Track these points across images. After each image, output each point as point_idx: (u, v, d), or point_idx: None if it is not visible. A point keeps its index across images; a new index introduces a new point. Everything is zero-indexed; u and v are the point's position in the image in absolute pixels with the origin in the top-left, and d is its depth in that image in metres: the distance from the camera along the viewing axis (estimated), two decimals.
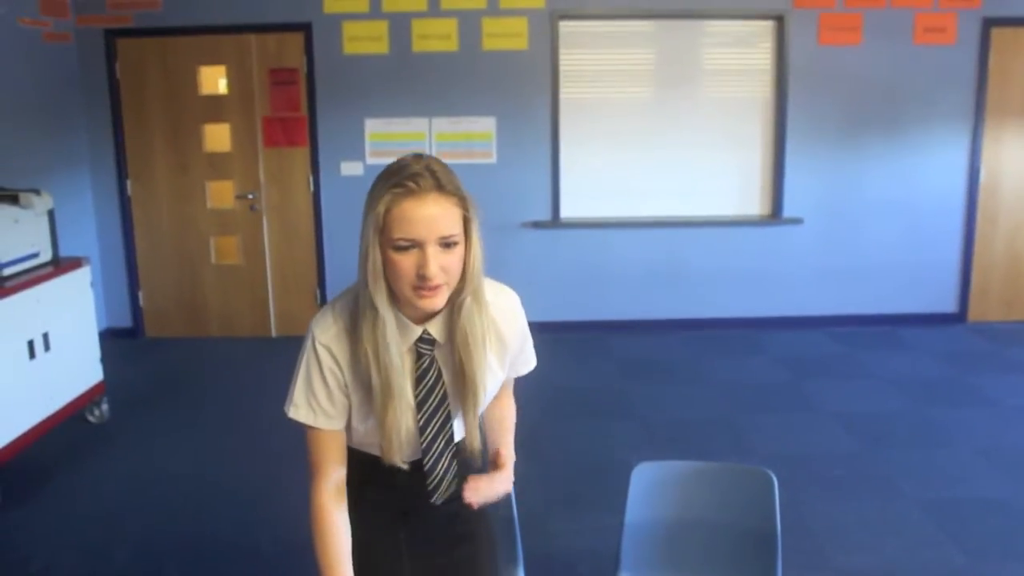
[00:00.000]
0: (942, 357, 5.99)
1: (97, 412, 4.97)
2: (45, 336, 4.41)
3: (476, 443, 1.78)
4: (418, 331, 1.69)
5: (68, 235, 5.29)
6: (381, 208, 1.56)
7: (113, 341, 6.43)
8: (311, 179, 6.52)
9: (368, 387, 1.67)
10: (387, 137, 6.42)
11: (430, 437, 1.75)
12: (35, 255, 4.54)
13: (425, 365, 1.71)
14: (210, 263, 6.67)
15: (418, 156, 1.61)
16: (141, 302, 6.72)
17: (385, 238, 1.57)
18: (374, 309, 1.61)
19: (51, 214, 4.68)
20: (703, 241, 6.68)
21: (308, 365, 1.71)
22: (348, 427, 1.76)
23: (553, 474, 4.17)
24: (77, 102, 6.33)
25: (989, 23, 6.36)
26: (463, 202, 1.60)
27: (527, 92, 6.44)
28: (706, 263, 6.69)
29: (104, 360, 5.01)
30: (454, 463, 1.80)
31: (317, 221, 6.58)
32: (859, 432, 4.71)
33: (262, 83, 6.41)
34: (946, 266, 6.74)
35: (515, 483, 2.37)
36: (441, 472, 1.79)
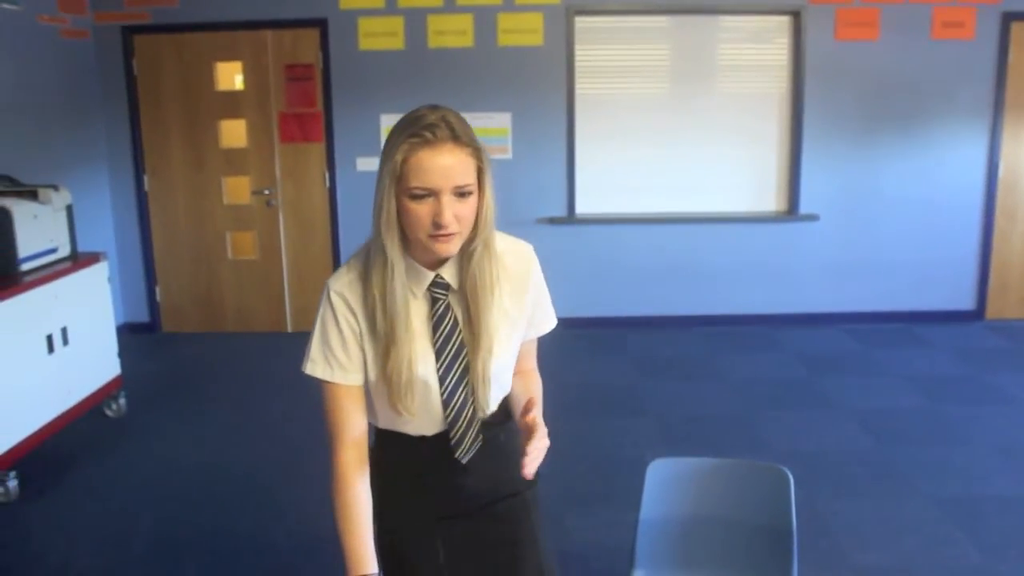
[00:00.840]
0: (959, 354, 5.95)
1: (115, 406, 5.01)
2: (63, 331, 4.44)
3: (486, 394, 1.76)
4: (431, 276, 1.71)
5: (86, 230, 5.32)
6: (398, 157, 1.58)
7: (130, 336, 6.47)
8: (327, 175, 6.54)
9: (375, 335, 1.70)
10: None
11: (450, 388, 1.75)
12: (53, 250, 4.57)
13: (440, 311, 1.73)
14: (227, 258, 6.70)
15: (434, 107, 1.64)
16: (158, 297, 6.76)
17: (401, 187, 1.60)
18: (384, 255, 1.65)
19: (69, 209, 4.71)
20: (719, 237, 6.66)
21: (323, 318, 1.73)
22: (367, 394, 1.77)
23: (568, 470, 4.17)
24: (95, 98, 6.37)
25: (1008, 18, 6.31)
26: (477, 153, 1.63)
27: (543, 88, 6.43)
28: (722, 259, 6.67)
29: (121, 355, 5.04)
30: (477, 416, 1.78)
31: (333, 217, 6.59)
32: (875, 429, 4.69)
33: (278, 79, 6.43)
34: (964, 263, 6.69)
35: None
36: (464, 425, 1.77)
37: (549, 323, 1.95)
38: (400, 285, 1.67)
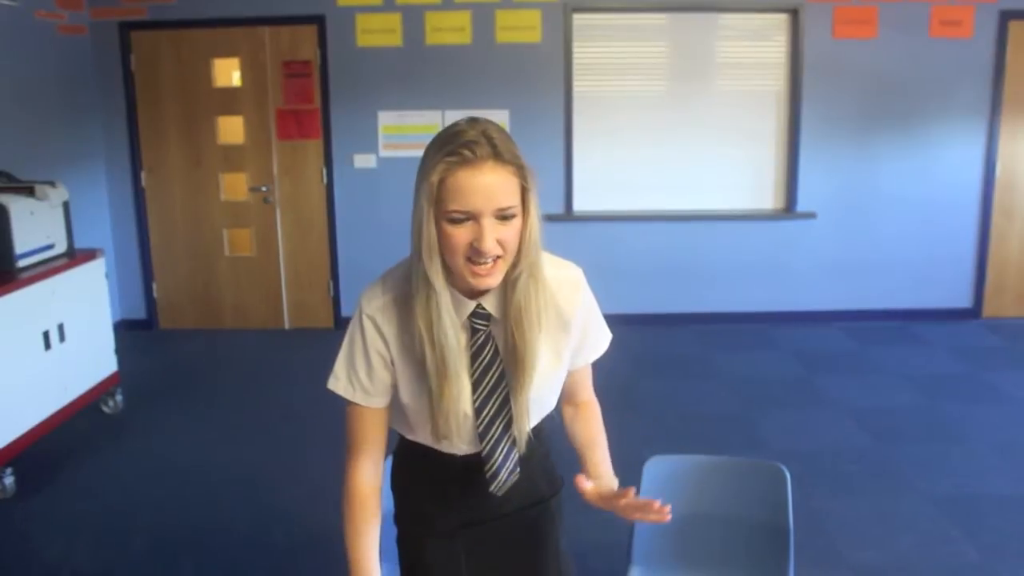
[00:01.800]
0: (956, 353, 5.96)
1: (112, 403, 5.00)
2: (60, 327, 4.43)
3: (525, 429, 1.66)
4: (471, 305, 1.59)
5: (83, 227, 5.31)
6: (435, 178, 1.46)
7: (127, 332, 6.46)
8: (324, 171, 6.53)
9: (419, 363, 1.58)
10: (400, 130, 6.42)
11: (487, 420, 1.64)
12: (50, 247, 4.56)
13: (480, 341, 1.61)
14: (224, 255, 6.69)
15: (473, 120, 1.52)
16: (155, 294, 6.75)
17: (439, 210, 1.47)
18: (428, 284, 1.52)
19: (66, 206, 4.71)
20: (716, 235, 6.66)
21: (352, 337, 1.64)
22: (398, 407, 1.69)
23: (564, 467, 4.16)
24: (92, 94, 6.36)
25: (1007, 16, 6.31)
26: (521, 171, 1.50)
27: (540, 85, 6.43)
28: (719, 257, 6.67)
29: (118, 351, 5.04)
30: (514, 450, 1.68)
31: (330, 213, 6.59)
32: (872, 427, 4.70)
33: (275, 75, 6.42)
34: (961, 261, 6.70)
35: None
36: (500, 458, 1.66)
37: (599, 349, 1.86)
38: (448, 317, 1.54)
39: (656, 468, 2.39)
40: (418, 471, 1.77)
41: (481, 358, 1.62)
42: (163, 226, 6.66)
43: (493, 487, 1.69)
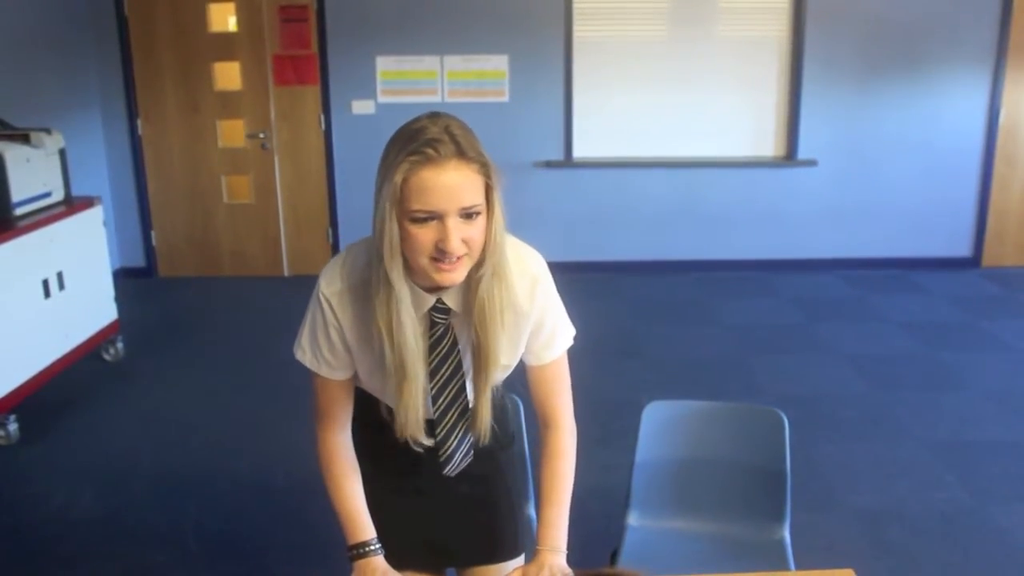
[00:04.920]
0: (955, 301, 5.97)
1: (112, 351, 5.02)
2: (59, 275, 4.43)
3: (485, 421, 1.67)
4: (431, 300, 1.58)
5: (80, 175, 5.28)
6: (398, 178, 1.42)
7: (126, 280, 6.46)
8: (322, 118, 6.47)
9: (374, 352, 1.59)
10: (399, 75, 6.35)
11: (443, 407, 1.67)
12: (47, 194, 4.54)
13: (439, 333, 1.62)
14: (222, 202, 6.67)
15: (435, 115, 1.48)
16: (154, 241, 6.74)
17: (402, 210, 1.44)
18: (389, 285, 1.50)
19: (62, 153, 4.67)
20: (717, 182, 6.63)
21: (313, 314, 1.64)
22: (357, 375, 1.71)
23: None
24: (86, 40, 6.27)
25: None
26: (485, 169, 1.47)
27: (540, 30, 6.34)
28: (719, 204, 6.65)
29: (118, 299, 5.04)
30: (468, 437, 1.72)
31: (329, 160, 6.54)
32: (870, 374, 4.72)
33: (272, 20, 6.33)
34: (961, 210, 6.68)
35: (526, 419, 2.39)
36: (454, 444, 1.71)
37: (559, 346, 1.74)
38: (408, 318, 1.53)
39: (655, 413, 2.40)
40: (382, 437, 1.75)
41: (439, 349, 1.63)
42: (161, 173, 6.62)
43: (447, 470, 1.74)
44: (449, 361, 1.64)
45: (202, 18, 6.34)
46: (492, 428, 1.73)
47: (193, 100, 6.47)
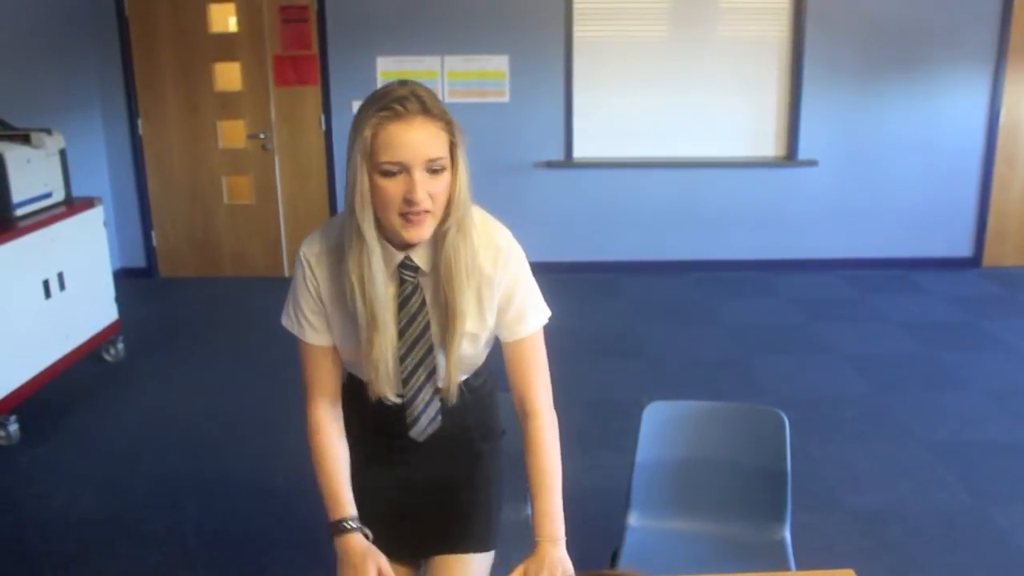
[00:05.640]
0: (955, 301, 5.97)
1: (113, 351, 5.02)
2: (60, 276, 4.43)
3: (454, 380, 1.73)
4: (400, 257, 1.66)
5: (80, 175, 5.28)
6: (368, 132, 1.53)
7: (127, 281, 6.46)
8: (322, 118, 6.48)
9: (349, 312, 1.66)
10: (399, 75, 6.32)
11: (411, 368, 1.73)
12: (48, 195, 4.54)
13: (408, 292, 1.68)
14: (222, 203, 6.67)
15: (403, 82, 1.59)
16: (154, 242, 6.74)
17: (372, 163, 1.55)
18: (361, 237, 1.59)
19: (63, 154, 4.67)
20: (717, 182, 6.62)
21: (295, 278, 1.73)
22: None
23: (564, 413, 4.17)
24: (86, 41, 6.28)
25: None
26: (449, 126, 1.58)
27: (541, 30, 6.34)
28: (720, 204, 6.65)
29: (119, 300, 5.04)
30: (436, 399, 1.77)
31: (329, 160, 6.55)
32: (870, 375, 4.72)
33: (272, 21, 6.33)
34: (962, 210, 6.68)
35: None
36: (421, 406, 1.77)
37: (529, 324, 1.79)
38: (379, 271, 1.62)
39: (655, 413, 2.40)
40: (356, 404, 1.83)
41: (408, 308, 1.69)
42: (161, 174, 6.62)
43: (413, 431, 1.79)
44: (418, 320, 1.70)
45: (202, 18, 6.35)
46: (478, 417, 1.84)
47: (193, 100, 6.47)
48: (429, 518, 1.89)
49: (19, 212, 4.27)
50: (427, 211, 1.56)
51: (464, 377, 1.81)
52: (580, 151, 6.58)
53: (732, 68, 6.50)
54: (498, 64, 6.37)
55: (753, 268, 6.70)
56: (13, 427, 4.03)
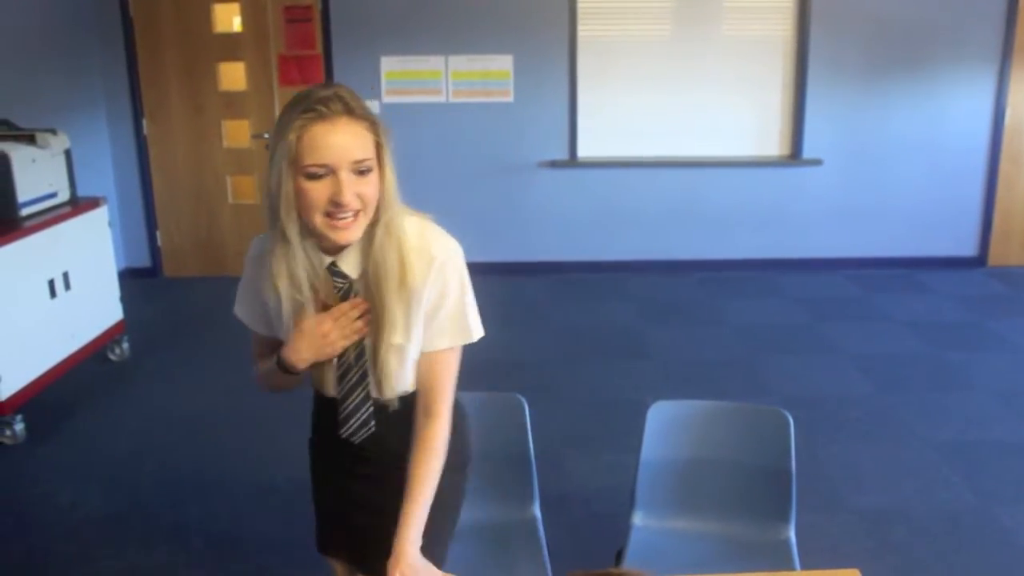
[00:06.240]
0: (961, 301, 5.95)
1: (118, 351, 5.03)
2: (65, 275, 4.43)
3: (388, 383, 1.70)
4: (326, 262, 1.65)
5: (85, 175, 5.28)
6: (292, 136, 1.51)
7: (132, 281, 6.47)
8: None
9: (279, 310, 1.68)
10: (403, 75, 6.35)
11: (345, 367, 1.73)
12: (53, 195, 4.54)
13: (340, 296, 1.67)
14: (227, 202, 6.67)
15: (326, 84, 1.60)
16: (159, 242, 6.75)
17: (296, 167, 1.53)
18: (286, 242, 1.58)
19: (68, 154, 4.68)
20: (721, 182, 6.62)
21: (244, 273, 1.79)
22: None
23: (569, 413, 4.20)
24: (91, 41, 6.28)
25: None
26: (374, 127, 1.57)
27: (545, 30, 6.34)
28: (724, 204, 6.64)
29: (123, 299, 5.04)
30: (368, 403, 1.75)
31: None
32: (875, 374, 4.71)
33: (277, 21, 6.34)
34: (967, 209, 6.66)
35: (532, 420, 2.39)
36: (351, 405, 1.76)
37: (452, 337, 1.73)
38: (304, 273, 1.61)
39: (660, 413, 2.40)
40: (315, 403, 1.91)
41: None
42: (166, 174, 6.63)
43: (342, 430, 1.78)
44: None
45: (207, 18, 6.35)
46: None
47: (198, 100, 6.48)
48: (361, 529, 1.86)
49: (24, 212, 4.28)
50: (358, 211, 1.55)
51: (404, 391, 1.76)
52: (584, 151, 6.58)
53: (736, 67, 6.50)
54: (502, 64, 6.37)
55: (757, 268, 6.70)
56: (19, 426, 4.03)
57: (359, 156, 1.54)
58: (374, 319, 1.66)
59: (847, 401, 4.40)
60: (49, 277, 4.32)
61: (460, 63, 6.37)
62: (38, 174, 4.42)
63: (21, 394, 4.05)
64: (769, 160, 6.61)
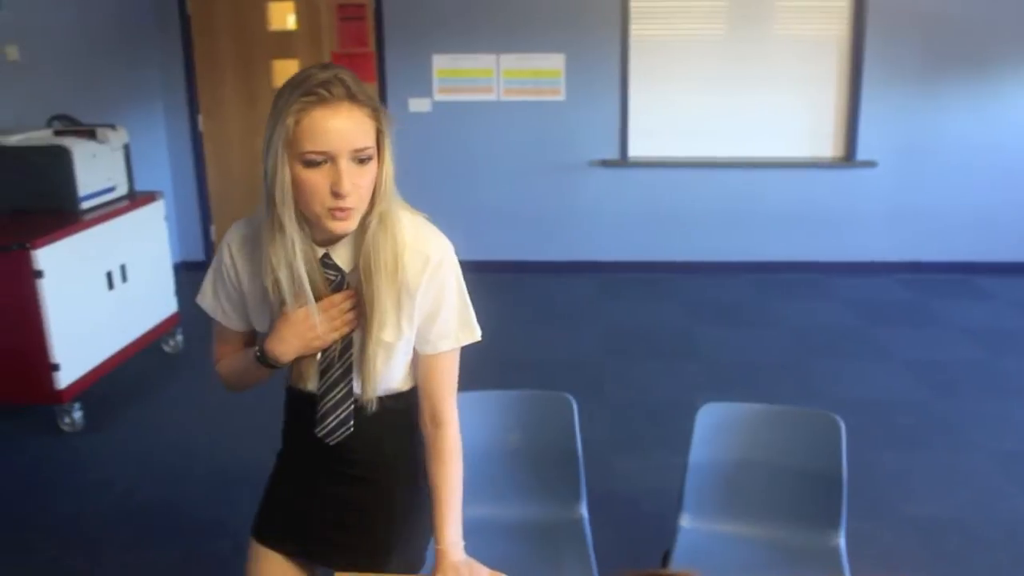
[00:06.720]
0: (1020, 307, 5.82)
1: (172, 342, 5.12)
2: (122, 268, 4.53)
3: (372, 381, 1.64)
4: (320, 252, 1.58)
5: (142, 169, 5.39)
6: (291, 120, 1.43)
7: (186, 274, 6.57)
8: None
9: (271, 302, 1.61)
10: (455, 73, 6.38)
11: (328, 361, 1.65)
12: (111, 189, 4.64)
13: (332, 288, 1.60)
14: None
15: (326, 65, 1.49)
16: (213, 236, 6.86)
17: (294, 153, 1.45)
18: (283, 231, 1.50)
19: (127, 149, 4.78)
20: (773, 183, 6.54)
21: (216, 261, 1.70)
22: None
23: (618, 413, 4.19)
24: (150, 37, 6.41)
25: None
26: (376, 113, 1.50)
27: (597, 29, 6.32)
28: (776, 205, 6.56)
29: (178, 292, 5.13)
30: (349, 401, 1.67)
31: None
32: (929, 381, 4.63)
33: (330, 19, 6.41)
34: None
35: (580, 419, 2.39)
36: (331, 403, 1.67)
37: (449, 340, 1.68)
38: (304, 261, 1.54)
39: (709, 415, 2.38)
40: (288, 398, 1.87)
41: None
42: (220, 169, 6.74)
43: (319, 429, 1.70)
44: None
45: (262, 16, 6.45)
46: (397, 451, 1.75)
47: (252, 97, 6.57)
48: (330, 530, 1.82)
49: (85, 205, 4.38)
50: (353, 205, 1.49)
51: (387, 391, 1.71)
52: (635, 150, 6.55)
53: (789, 67, 6.41)
54: (554, 63, 6.37)
55: (810, 270, 6.61)
56: (77, 414, 4.13)
57: (360, 144, 1.47)
58: (365, 308, 1.59)
59: (900, 407, 4.32)
60: (107, 269, 4.41)
61: (511, 61, 6.37)
62: (98, 169, 4.51)
63: (79, 383, 4.14)
64: (822, 161, 6.52)
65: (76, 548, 3.20)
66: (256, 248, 1.60)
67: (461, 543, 1.70)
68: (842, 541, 2.28)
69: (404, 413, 1.75)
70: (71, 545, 3.22)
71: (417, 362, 1.71)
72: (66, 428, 4.11)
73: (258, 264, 1.60)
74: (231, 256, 1.66)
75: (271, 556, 1.84)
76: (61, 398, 4.04)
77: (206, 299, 1.75)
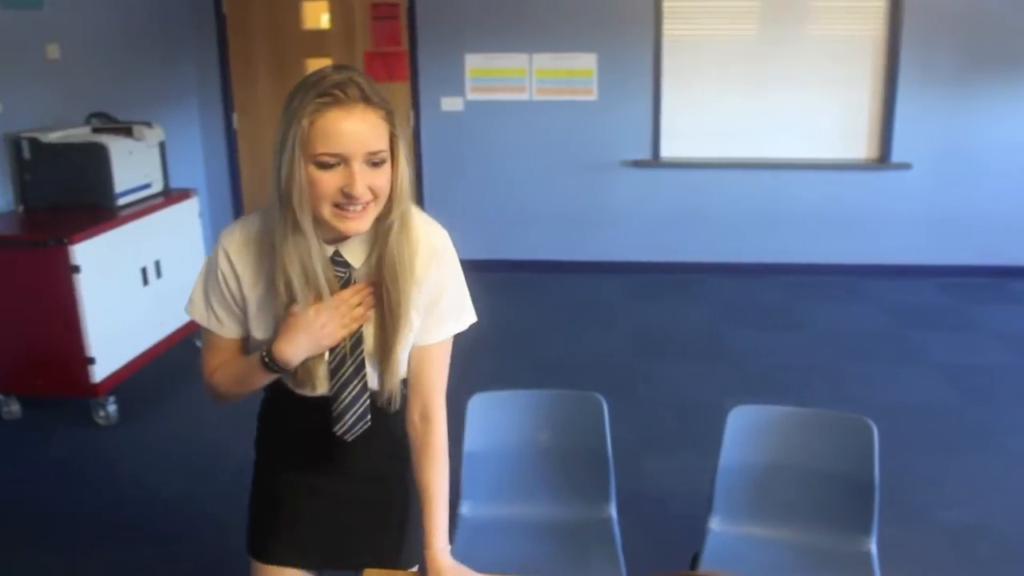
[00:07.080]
0: None
1: None
2: (157, 264, 4.58)
3: (394, 379, 1.66)
4: (329, 251, 1.58)
5: (177, 166, 5.45)
6: (305, 121, 1.43)
7: None
8: (411, 114, 6.56)
9: (273, 302, 1.59)
10: (487, 73, 6.39)
11: (338, 360, 1.64)
12: (147, 186, 4.71)
13: (340, 286, 1.60)
14: None
15: (340, 67, 1.49)
16: None
17: (306, 154, 1.45)
18: (298, 231, 1.50)
19: (162, 146, 4.84)
20: (806, 184, 6.49)
21: (209, 267, 1.67)
22: (255, 344, 1.70)
23: (648, 414, 4.18)
24: (186, 36, 6.48)
25: None
26: (390, 116, 1.50)
27: (630, 29, 6.31)
28: (809, 207, 6.51)
29: None
30: (365, 396, 1.67)
31: (417, 156, 6.62)
32: (963, 386, 4.57)
33: (364, 18, 6.44)
34: None
35: (610, 419, 2.39)
36: (347, 400, 1.66)
37: (448, 327, 1.70)
38: (320, 262, 1.54)
39: (740, 418, 2.37)
40: (279, 406, 1.81)
41: None
42: (254, 167, 6.80)
43: (337, 428, 1.68)
44: None
45: (296, 15, 6.50)
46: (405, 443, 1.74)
47: (286, 96, 6.60)
48: (345, 534, 1.81)
49: (121, 202, 4.44)
50: (368, 202, 1.49)
51: (397, 382, 1.71)
52: (668, 151, 6.53)
53: (823, 68, 6.36)
54: (586, 62, 6.36)
55: (842, 273, 6.55)
56: (112, 408, 4.19)
57: (374, 147, 1.47)
58: (390, 316, 1.60)
59: (933, 412, 4.27)
60: (142, 265, 4.47)
61: (544, 61, 6.37)
62: (134, 165, 4.58)
63: (114, 377, 4.20)
64: (856, 163, 6.46)
65: (107, 540, 3.25)
66: (259, 250, 1.60)
67: (448, 547, 1.70)
68: (873, 546, 2.26)
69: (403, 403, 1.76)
70: (103, 537, 3.27)
71: (411, 354, 1.71)
72: (100, 421, 4.17)
73: (262, 267, 1.60)
74: (229, 261, 1.63)
75: (279, 572, 1.83)
76: (96, 391, 4.10)
77: (196, 308, 1.70)
